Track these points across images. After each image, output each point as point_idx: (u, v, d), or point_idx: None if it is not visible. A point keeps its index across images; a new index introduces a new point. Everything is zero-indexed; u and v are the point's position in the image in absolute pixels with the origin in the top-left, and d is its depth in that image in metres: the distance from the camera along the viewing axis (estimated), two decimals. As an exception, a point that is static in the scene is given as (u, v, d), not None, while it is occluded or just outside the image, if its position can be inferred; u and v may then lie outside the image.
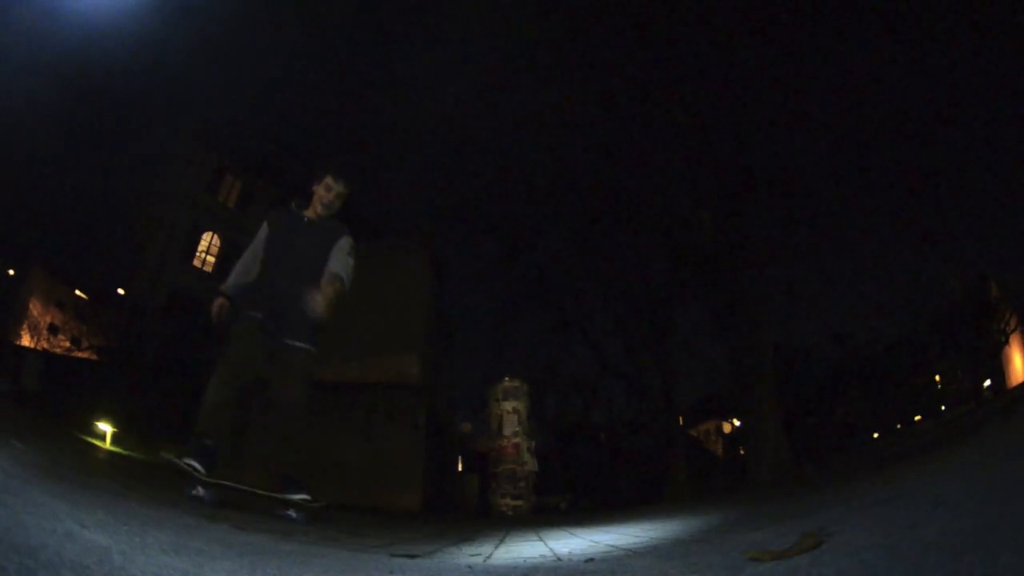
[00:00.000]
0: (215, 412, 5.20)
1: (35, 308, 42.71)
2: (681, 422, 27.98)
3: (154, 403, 14.82)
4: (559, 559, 3.52)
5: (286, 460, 5.49)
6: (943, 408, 43.63)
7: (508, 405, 16.30)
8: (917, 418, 44.69)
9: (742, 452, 37.51)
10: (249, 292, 5.53)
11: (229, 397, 5.28)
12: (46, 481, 2.76)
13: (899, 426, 44.29)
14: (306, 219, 5.76)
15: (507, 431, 16.04)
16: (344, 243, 5.70)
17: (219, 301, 5.57)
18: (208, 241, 37.09)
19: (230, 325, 5.48)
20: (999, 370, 41.54)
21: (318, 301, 5.11)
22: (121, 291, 41.06)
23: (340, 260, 5.60)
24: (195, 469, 4.93)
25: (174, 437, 14.42)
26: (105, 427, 12.88)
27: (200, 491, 4.88)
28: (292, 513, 5.23)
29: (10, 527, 1.74)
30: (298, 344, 5.40)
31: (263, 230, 5.77)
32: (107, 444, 12.31)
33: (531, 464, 15.94)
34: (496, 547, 4.54)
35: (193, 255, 36.32)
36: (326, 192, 5.76)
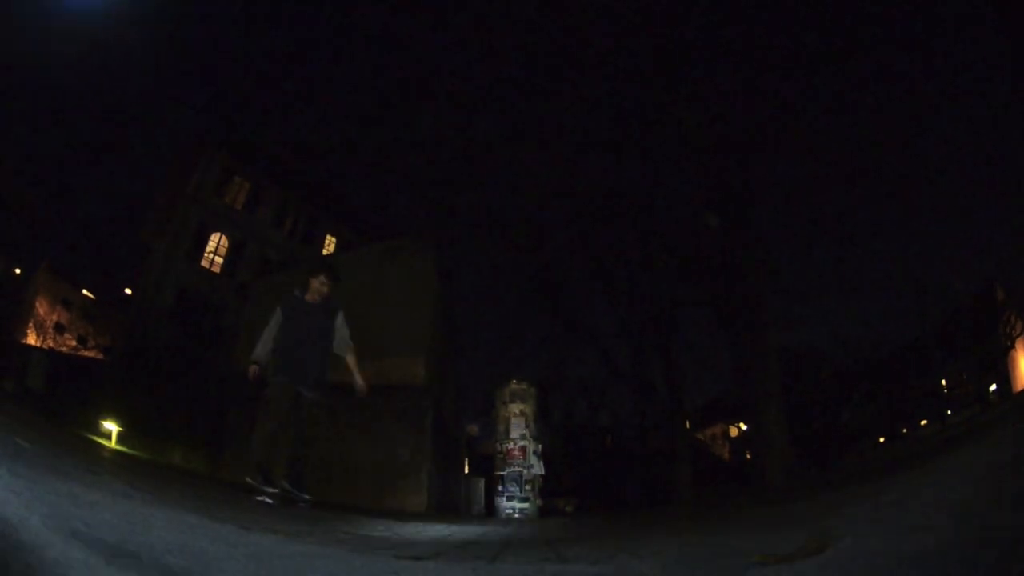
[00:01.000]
0: (264, 447, 7.25)
1: (41, 307, 42.83)
2: (688, 426, 27.96)
3: (160, 402, 14.86)
4: (565, 560, 3.51)
5: (292, 469, 7.51)
6: (948, 412, 43.50)
7: (515, 408, 16.26)
8: (923, 422, 44.58)
9: (748, 456, 37.50)
10: (275, 359, 7.50)
11: (271, 435, 7.28)
12: (52, 480, 2.76)
13: (904, 430, 44.19)
14: (308, 303, 7.85)
15: (514, 434, 16.00)
16: (340, 316, 8.01)
17: (253, 368, 7.47)
18: (216, 242, 37.11)
19: (262, 384, 7.41)
20: (1004, 374, 41.44)
21: (363, 386, 7.86)
22: (128, 291, 41.18)
23: (343, 331, 7.97)
24: (263, 487, 7.01)
25: (178, 436, 14.48)
26: (111, 426, 12.92)
27: (267, 499, 6.73)
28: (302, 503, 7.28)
29: (16, 526, 1.74)
30: (313, 395, 7.51)
31: (278, 314, 7.76)
32: (113, 443, 12.34)
33: (537, 467, 15.90)
34: (501, 549, 4.53)
35: (201, 255, 36.35)
36: (321, 286, 7.85)
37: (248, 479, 7.18)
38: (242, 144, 38.65)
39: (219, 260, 37.03)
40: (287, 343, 7.52)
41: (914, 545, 2.05)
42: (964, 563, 1.75)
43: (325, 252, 41.17)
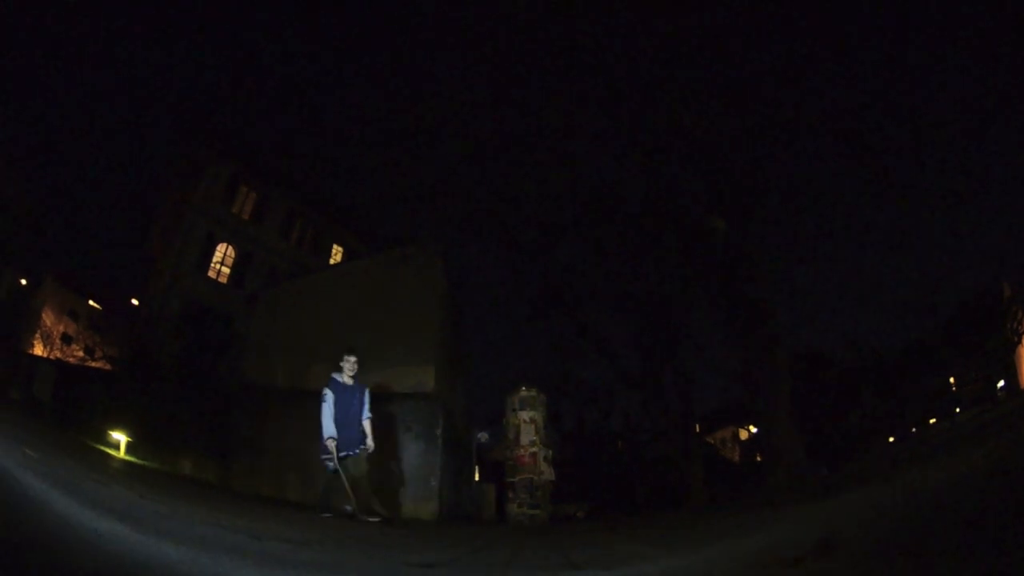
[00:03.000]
0: (348, 495, 9.33)
1: (48, 318, 42.88)
2: (698, 429, 27.89)
3: (168, 412, 14.82)
4: (576, 566, 3.48)
5: (362, 502, 9.31)
6: (957, 410, 43.36)
7: (525, 415, 16.20)
8: (932, 420, 44.47)
9: (759, 459, 37.37)
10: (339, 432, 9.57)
11: (348, 487, 9.32)
12: (65, 492, 2.73)
13: (914, 429, 44.06)
14: (346, 384, 10.01)
15: (524, 440, 15.95)
16: (367, 393, 10.27)
17: (332, 441, 9.44)
18: (223, 252, 37.07)
19: (337, 452, 9.47)
20: (1013, 370, 41.37)
21: (370, 444, 10.01)
22: (135, 301, 41.22)
23: (368, 405, 10.19)
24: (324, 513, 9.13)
25: (188, 447, 14.46)
26: (119, 436, 12.89)
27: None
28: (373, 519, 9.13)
29: (33, 536, 1.72)
30: (358, 450, 9.76)
31: (330, 395, 9.76)
32: (121, 453, 12.32)
33: (548, 473, 15.84)
34: (513, 556, 4.50)
35: (208, 266, 36.33)
36: (350, 368, 10.09)
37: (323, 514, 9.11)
38: (248, 154, 38.70)
39: (226, 270, 36.99)
40: (339, 420, 9.68)
41: (923, 546, 2.03)
42: (973, 564, 1.74)
43: (332, 261, 41.18)
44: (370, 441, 10.09)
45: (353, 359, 10.24)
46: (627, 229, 20.03)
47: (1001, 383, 41.92)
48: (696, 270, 18.34)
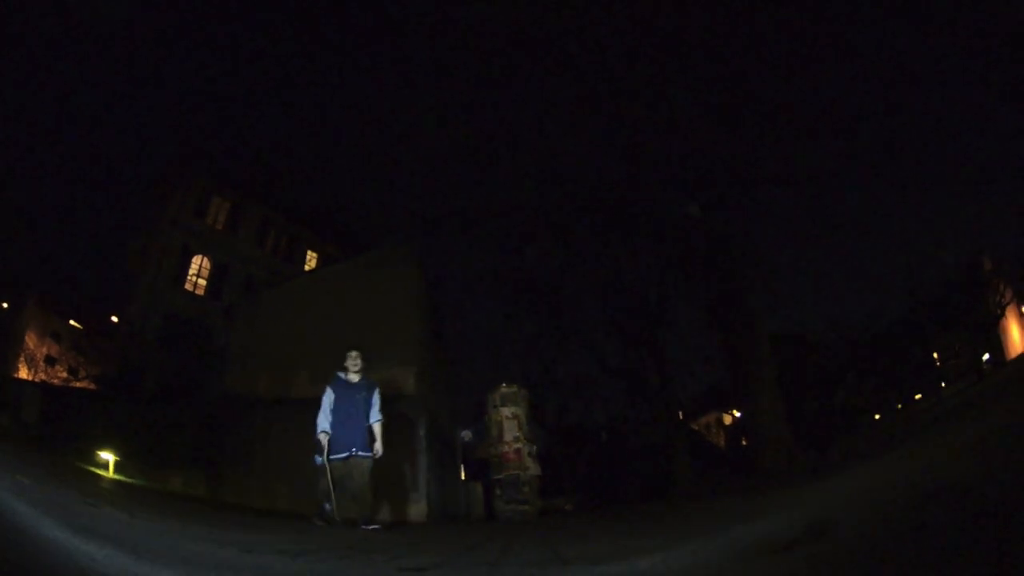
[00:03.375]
0: (327, 494, 8.93)
1: (31, 340, 42.65)
2: (682, 416, 28.00)
3: (154, 429, 14.79)
4: (566, 562, 3.55)
5: (361, 511, 9.09)
6: (943, 384, 43.63)
7: (507, 411, 16.24)
8: (917, 396, 44.72)
9: (744, 443, 37.54)
10: (333, 430, 9.25)
11: (331, 486, 8.91)
12: (56, 517, 2.78)
13: (900, 406, 44.30)
14: (349, 381, 9.69)
15: (507, 437, 15.99)
16: (376, 392, 9.79)
17: (324, 437, 9.15)
18: (199, 264, 37.02)
19: (327, 450, 9.14)
20: (997, 343, 41.71)
21: (378, 449, 9.47)
22: (115, 318, 41.03)
23: (377, 406, 9.69)
24: (323, 518, 8.88)
25: (176, 463, 14.44)
26: (107, 456, 12.86)
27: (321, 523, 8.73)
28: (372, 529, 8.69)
29: (28, 567, 1.78)
30: (361, 455, 9.31)
31: (329, 393, 9.47)
32: (110, 473, 12.30)
33: (534, 468, 15.89)
34: (502, 554, 4.56)
35: (184, 279, 36.25)
36: (353, 363, 9.77)
37: (315, 520, 8.96)
38: (219, 164, 38.67)
39: (203, 282, 36.95)
40: (338, 418, 9.35)
41: (910, 528, 2.08)
42: (960, 547, 1.79)
43: (307, 268, 41.15)
44: (379, 446, 9.56)
45: (355, 354, 9.89)
46: (602, 218, 20.10)
47: (986, 356, 42.23)
48: (672, 255, 18.45)
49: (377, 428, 9.60)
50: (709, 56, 15.63)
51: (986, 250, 41.09)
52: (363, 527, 8.68)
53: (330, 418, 9.37)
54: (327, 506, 8.93)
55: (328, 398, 9.49)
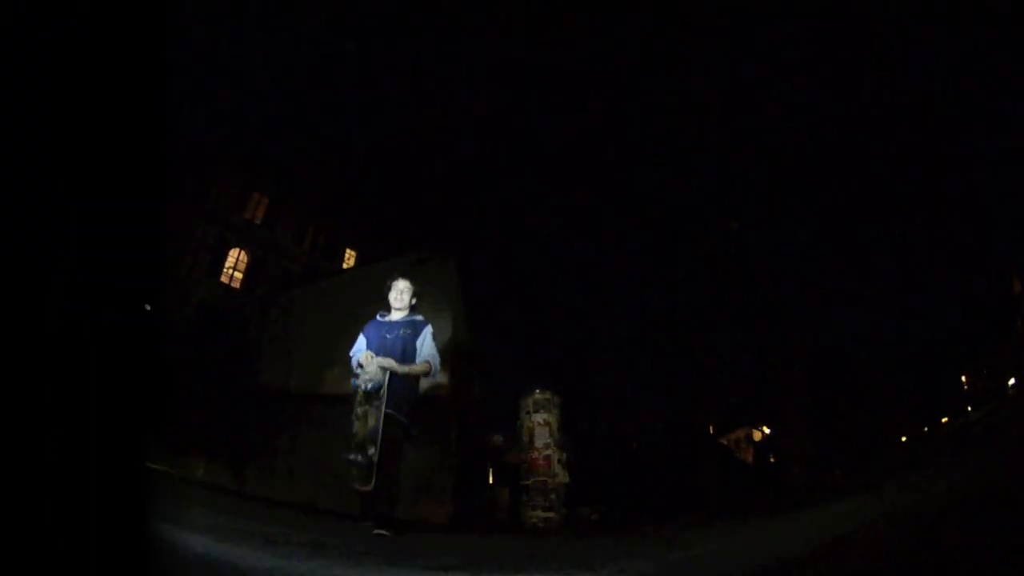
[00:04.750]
0: (361, 445, 6.49)
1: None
2: (712, 431, 27.88)
3: (182, 418, 14.86)
4: (592, 569, 3.47)
5: (381, 504, 6.49)
6: (969, 408, 43.28)
7: (539, 417, 16.16)
8: (944, 419, 44.40)
9: (772, 459, 37.32)
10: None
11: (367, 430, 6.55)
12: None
13: (926, 428, 44.00)
14: (390, 322, 7.18)
15: (538, 443, 15.92)
16: (426, 333, 7.15)
17: (358, 359, 6.73)
18: (235, 257, 37.27)
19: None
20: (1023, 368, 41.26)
21: (415, 369, 6.76)
22: (148, 307, 41.53)
23: (427, 349, 7.01)
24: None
25: (202, 450, 14.50)
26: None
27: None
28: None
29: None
30: (394, 414, 6.55)
31: (361, 340, 7.12)
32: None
33: (562, 476, 15.81)
34: (527, 559, 4.49)
35: (221, 271, 36.51)
36: (398, 295, 7.28)
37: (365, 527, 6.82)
38: (260, 159, 38.88)
39: (239, 275, 37.19)
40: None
41: (932, 545, 2.05)
42: (979, 562, 1.75)
43: (345, 266, 41.30)
44: (417, 367, 6.85)
45: (403, 286, 7.36)
46: (642, 231, 20.05)
47: (1012, 380, 41.79)
48: (710, 272, 18.33)
49: (421, 367, 6.90)
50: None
51: (1016, 271, 40.68)
52: (371, 524, 6.28)
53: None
54: (357, 457, 6.40)
55: (359, 343, 7.15)
